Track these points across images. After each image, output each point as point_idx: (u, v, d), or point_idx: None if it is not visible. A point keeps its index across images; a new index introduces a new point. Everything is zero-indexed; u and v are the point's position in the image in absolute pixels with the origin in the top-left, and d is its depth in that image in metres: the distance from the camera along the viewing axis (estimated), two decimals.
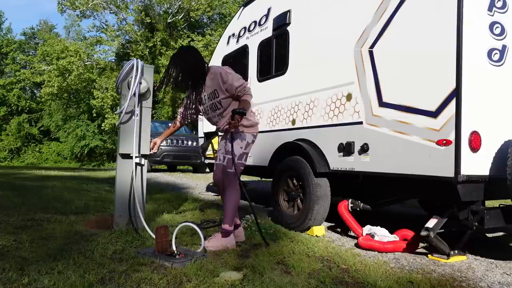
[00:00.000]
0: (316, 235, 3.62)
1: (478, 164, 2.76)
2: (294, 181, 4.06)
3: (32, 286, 2.07)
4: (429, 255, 3.06)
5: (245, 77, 5.24)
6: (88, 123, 26.52)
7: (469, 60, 2.72)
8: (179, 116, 3.40)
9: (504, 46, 2.93)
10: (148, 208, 4.30)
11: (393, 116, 3.14)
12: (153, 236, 2.96)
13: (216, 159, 3.23)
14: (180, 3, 22.92)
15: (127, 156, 3.39)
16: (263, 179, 6.48)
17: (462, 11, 2.71)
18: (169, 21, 23.42)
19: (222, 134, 3.34)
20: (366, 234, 3.40)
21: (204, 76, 3.07)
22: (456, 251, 3.02)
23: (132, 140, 3.36)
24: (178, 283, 2.20)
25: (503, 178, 2.71)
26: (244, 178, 7.12)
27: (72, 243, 2.90)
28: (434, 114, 2.84)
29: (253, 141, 3.14)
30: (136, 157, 3.37)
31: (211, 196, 6.53)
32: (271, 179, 4.44)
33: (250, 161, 4.96)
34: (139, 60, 3.46)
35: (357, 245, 3.36)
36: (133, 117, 3.41)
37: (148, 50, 22.81)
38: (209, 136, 5.99)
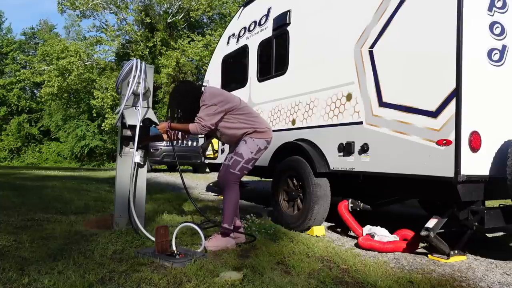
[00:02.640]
0: (316, 235, 3.62)
1: (478, 164, 2.76)
2: (294, 181, 4.06)
3: (32, 286, 2.07)
4: (429, 255, 3.06)
5: (245, 77, 5.24)
6: (88, 123, 26.52)
7: (469, 60, 2.72)
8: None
9: (504, 46, 2.93)
10: (148, 208, 4.31)
11: (393, 116, 3.14)
12: (150, 237, 2.96)
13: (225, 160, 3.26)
14: (180, 3, 22.91)
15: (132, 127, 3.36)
16: (263, 179, 6.48)
17: (462, 11, 2.71)
18: (169, 21, 23.42)
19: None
20: (366, 234, 3.40)
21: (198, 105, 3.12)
22: (456, 251, 3.02)
23: (134, 139, 3.36)
24: (178, 283, 2.20)
25: (503, 178, 2.71)
26: (244, 178, 7.12)
27: (72, 243, 2.90)
28: (434, 114, 2.84)
29: (265, 147, 3.16)
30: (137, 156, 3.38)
31: (211, 196, 6.53)
32: (271, 179, 4.44)
33: None
34: (139, 60, 3.47)
35: (357, 245, 3.35)
36: (135, 109, 3.40)
37: (148, 50, 22.79)
38: (209, 136, 5.98)
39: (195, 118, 3.04)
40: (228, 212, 3.07)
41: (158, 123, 3.32)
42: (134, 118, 3.34)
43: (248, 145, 3.06)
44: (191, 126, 3.04)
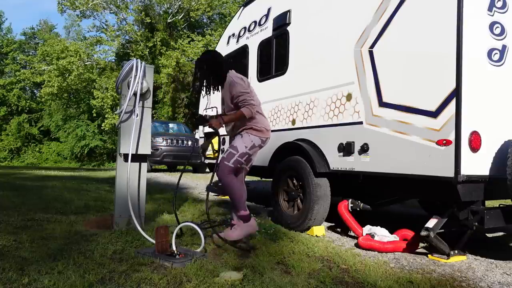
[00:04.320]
0: (316, 235, 3.62)
1: (478, 164, 2.76)
2: (294, 181, 4.06)
3: (32, 286, 2.07)
4: (429, 255, 3.06)
5: (245, 77, 5.23)
6: (88, 123, 26.53)
7: (469, 60, 2.72)
8: None
9: (504, 46, 2.93)
10: (148, 208, 4.31)
11: (393, 116, 3.14)
12: (148, 238, 2.96)
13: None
14: (180, 3, 22.92)
15: (127, 157, 3.39)
16: (263, 179, 6.48)
17: (462, 11, 2.71)
18: (169, 21, 23.42)
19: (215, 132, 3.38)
20: (366, 234, 3.40)
21: (224, 79, 3.21)
22: (456, 251, 3.02)
23: (130, 140, 3.36)
24: (178, 283, 2.20)
25: (503, 178, 2.71)
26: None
27: (72, 243, 2.90)
28: (434, 114, 2.84)
29: (260, 146, 3.22)
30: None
31: (211, 196, 6.53)
32: (271, 179, 4.44)
33: None
34: (139, 60, 3.47)
35: (357, 245, 3.35)
36: (133, 116, 3.42)
37: (148, 50, 22.80)
38: (209, 136, 5.98)
39: (242, 102, 3.07)
40: (237, 199, 3.14)
41: (209, 120, 3.25)
42: (127, 145, 3.35)
43: (244, 139, 3.14)
44: (245, 111, 3.07)
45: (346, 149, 3.54)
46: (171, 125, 13.92)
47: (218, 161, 3.20)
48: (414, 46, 3.03)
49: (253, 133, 3.15)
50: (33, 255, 2.57)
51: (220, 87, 3.28)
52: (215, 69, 3.19)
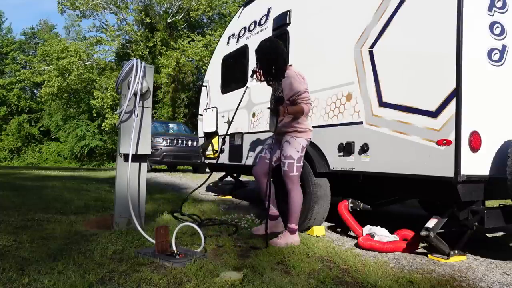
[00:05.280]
0: (316, 235, 3.62)
1: (478, 164, 2.76)
2: None
3: (32, 286, 2.07)
4: (429, 255, 3.06)
5: (245, 77, 5.24)
6: (88, 123, 26.54)
7: (469, 60, 2.72)
8: None
9: (504, 46, 2.93)
10: (148, 208, 4.31)
11: (393, 116, 3.14)
12: (148, 238, 2.96)
13: (263, 153, 3.46)
14: (180, 3, 22.92)
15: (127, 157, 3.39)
16: None
17: (462, 11, 2.71)
18: (169, 21, 23.43)
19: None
20: (366, 234, 3.39)
21: (284, 70, 3.31)
22: (456, 251, 3.01)
23: (130, 140, 3.36)
24: (178, 283, 2.20)
25: (503, 178, 2.71)
26: (244, 178, 7.12)
27: (72, 243, 2.90)
28: (434, 114, 2.84)
29: (307, 145, 3.33)
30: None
31: (211, 196, 6.53)
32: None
33: (250, 161, 4.96)
34: (139, 60, 3.47)
35: (357, 245, 3.35)
36: (133, 116, 3.42)
37: (148, 50, 22.80)
38: (209, 136, 6.00)
39: (302, 98, 3.18)
40: (295, 213, 3.22)
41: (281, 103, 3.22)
42: (127, 145, 3.35)
43: (292, 145, 3.24)
44: (305, 108, 3.18)
45: (346, 149, 3.54)
46: (171, 125, 13.93)
47: (285, 178, 3.26)
48: (414, 46, 3.03)
49: (299, 135, 3.25)
50: (33, 255, 2.58)
51: (272, 79, 3.37)
52: (276, 62, 3.27)
